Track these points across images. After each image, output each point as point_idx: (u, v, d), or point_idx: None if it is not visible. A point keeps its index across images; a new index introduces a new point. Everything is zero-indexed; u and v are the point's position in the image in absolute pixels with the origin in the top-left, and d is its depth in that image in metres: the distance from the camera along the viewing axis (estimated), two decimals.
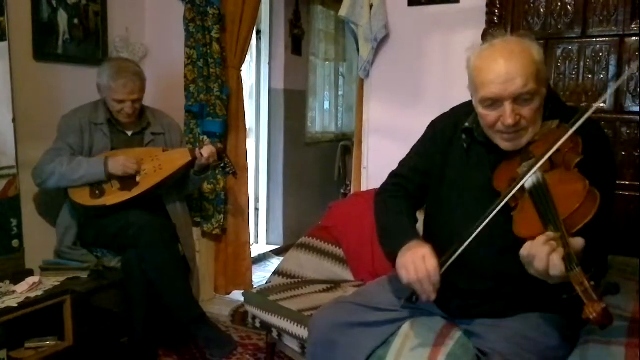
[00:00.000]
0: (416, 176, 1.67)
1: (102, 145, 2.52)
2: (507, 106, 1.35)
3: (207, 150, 2.53)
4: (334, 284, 2.30)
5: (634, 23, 2.16)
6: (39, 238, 2.61)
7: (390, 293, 1.63)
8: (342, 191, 4.73)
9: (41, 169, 2.41)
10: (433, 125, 1.69)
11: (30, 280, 2.20)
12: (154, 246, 2.34)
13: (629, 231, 2.10)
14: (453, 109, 1.68)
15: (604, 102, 2.20)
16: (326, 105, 5.19)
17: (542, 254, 1.17)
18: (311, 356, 1.65)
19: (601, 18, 2.21)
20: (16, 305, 2.04)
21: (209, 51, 2.95)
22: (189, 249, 2.67)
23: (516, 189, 1.31)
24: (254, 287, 2.88)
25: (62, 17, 2.75)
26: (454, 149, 1.58)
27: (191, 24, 2.96)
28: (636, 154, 2.16)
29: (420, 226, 1.73)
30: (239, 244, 3.23)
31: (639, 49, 2.15)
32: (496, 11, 2.37)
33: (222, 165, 2.68)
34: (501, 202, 1.33)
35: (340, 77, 5.38)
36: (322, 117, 5.13)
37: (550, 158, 1.30)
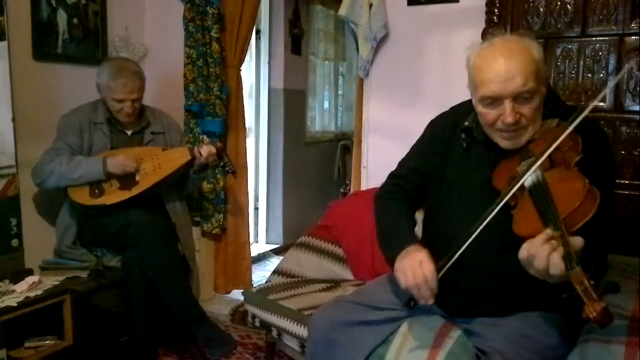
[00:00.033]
0: (415, 177, 1.67)
1: (102, 145, 2.52)
2: (507, 105, 1.35)
3: (205, 150, 2.53)
4: (334, 283, 2.30)
5: (634, 22, 2.16)
6: (39, 237, 2.61)
7: (390, 292, 1.63)
8: (342, 190, 4.73)
9: (40, 168, 2.41)
10: (432, 125, 1.69)
11: (30, 279, 2.20)
12: (154, 245, 2.33)
13: (628, 230, 2.10)
14: (452, 108, 1.68)
15: (604, 101, 2.20)
16: (326, 104, 5.19)
17: (542, 253, 1.17)
18: (311, 355, 1.65)
19: (601, 17, 2.21)
20: (16, 304, 2.04)
21: (208, 50, 2.95)
22: (189, 248, 2.67)
23: (515, 188, 1.31)
24: (254, 286, 2.89)
25: (62, 17, 2.75)
26: (453, 148, 1.58)
27: (191, 23, 2.96)
28: (636, 153, 2.16)
29: (419, 226, 1.73)
30: (239, 243, 3.23)
31: (638, 48, 2.15)
32: (496, 10, 2.37)
33: (221, 164, 2.68)
34: (499, 203, 1.33)
35: (339, 76, 5.38)
36: (321, 117, 5.13)
37: (549, 156, 1.30)
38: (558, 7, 2.28)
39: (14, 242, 2.46)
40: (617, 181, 2.00)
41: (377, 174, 2.68)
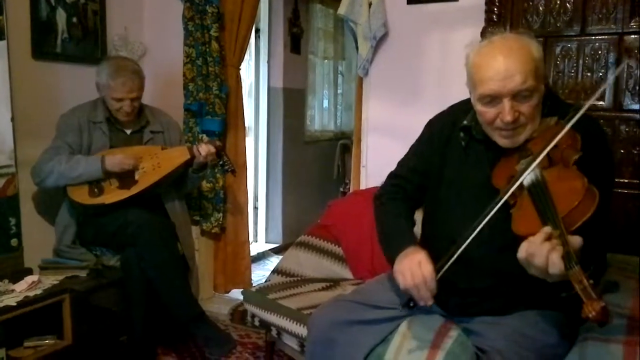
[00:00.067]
0: (415, 177, 1.67)
1: (101, 144, 2.52)
2: (506, 103, 1.35)
3: (204, 149, 2.53)
4: (333, 282, 2.30)
5: (633, 21, 2.16)
6: (38, 237, 2.60)
7: (390, 291, 1.62)
8: (341, 189, 4.73)
9: (40, 167, 2.41)
10: (430, 124, 1.69)
11: (29, 279, 2.20)
12: (153, 245, 2.33)
13: (628, 229, 2.10)
14: (451, 107, 1.68)
15: (603, 100, 2.20)
16: (325, 103, 5.19)
17: (541, 252, 1.17)
18: (310, 354, 1.65)
19: (600, 16, 2.21)
20: (15, 304, 2.04)
21: (207, 50, 2.95)
22: (188, 247, 2.67)
23: (514, 187, 1.31)
24: (253, 285, 2.89)
25: (61, 16, 2.75)
26: (452, 147, 1.58)
27: (190, 22, 2.96)
28: (635, 152, 2.16)
29: (419, 226, 1.73)
30: (238, 243, 3.23)
31: (638, 47, 2.15)
32: (495, 9, 2.37)
33: (221, 163, 2.68)
34: (498, 202, 1.33)
35: (339, 75, 5.37)
36: (321, 116, 5.13)
37: (548, 155, 1.30)
38: (557, 6, 2.28)
39: (13, 242, 2.46)
40: (616, 180, 2.00)
41: (376, 173, 2.68)
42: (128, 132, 2.60)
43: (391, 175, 1.74)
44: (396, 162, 1.75)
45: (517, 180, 1.31)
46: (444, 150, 1.59)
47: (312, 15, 4.75)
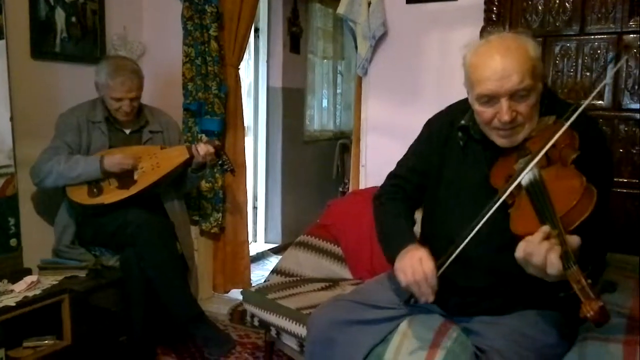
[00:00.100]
0: (414, 177, 1.67)
1: (100, 144, 2.52)
2: (504, 102, 1.35)
3: (203, 148, 2.53)
4: (333, 282, 2.30)
5: (632, 20, 2.16)
6: (37, 237, 2.60)
7: (389, 291, 1.63)
8: (341, 189, 4.73)
9: (39, 167, 2.41)
10: (429, 124, 1.69)
11: (29, 279, 2.20)
12: (152, 244, 2.33)
13: (627, 228, 2.10)
14: (449, 107, 1.68)
15: (602, 99, 2.20)
16: (324, 103, 5.19)
17: (539, 252, 1.17)
18: (310, 354, 1.65)
19: (599, 15, 2.21)
20: (14, 304, 2.04)
21: (207, 49, 2.95)
22: (187, 247, 2.67)
23: (512, 187, 1.31)
24: (253, 285, 2.89)
25: (60, 15, 2.75)
26: (450, 147, 1.58)
27: (189, 22, 2.96)
28: (634, 151, 2.16)
29: (418, 226, 1.73)
30: (238, 243, 3.23)
31: (637, 46, 2.15)
32: (494, 9, 2.37)
33: (220, 162, 2.68)
34: (496, 202, 1.33)
35: (338, 75, 5.37)
36: (320, 115, 5.12)
37: (546, 154, 1.30)
38: (557, 5, 2.28)
39: (13, 242, 2.46)
40: (615, 179, 2.00)
41: (375, 173, 2.68)
42: (127, 131, 2.60)
43: (390, 176, 1.74)
44: (395, 162, 1.75)
45: (515, 180, 1.31)
46: (442, 150, 1.59)
47: (311, 15, 4.74)
